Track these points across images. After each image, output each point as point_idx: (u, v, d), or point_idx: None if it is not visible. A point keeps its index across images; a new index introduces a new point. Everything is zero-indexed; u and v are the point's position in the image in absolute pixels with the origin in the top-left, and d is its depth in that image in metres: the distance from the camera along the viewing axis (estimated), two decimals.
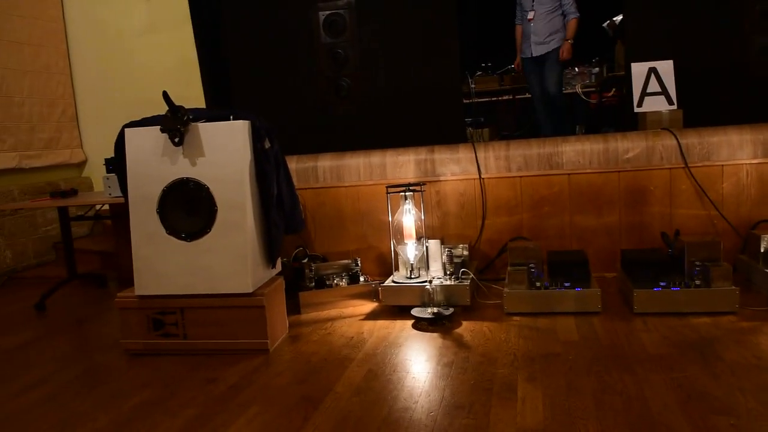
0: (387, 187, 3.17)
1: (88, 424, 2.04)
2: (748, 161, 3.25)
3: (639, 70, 3.67)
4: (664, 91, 3.61)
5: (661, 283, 2.73)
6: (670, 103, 3.59)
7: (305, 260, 3.38)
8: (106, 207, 4.32)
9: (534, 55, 5.02)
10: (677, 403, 1.86)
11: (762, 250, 2.97)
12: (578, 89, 5.69)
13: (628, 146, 3.35)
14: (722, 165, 3.28)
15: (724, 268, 2.68)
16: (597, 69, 5.71)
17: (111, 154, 3.82)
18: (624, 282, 2.95)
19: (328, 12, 4.18)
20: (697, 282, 2.70)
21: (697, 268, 2.73)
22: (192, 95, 4.78)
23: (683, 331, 2.47)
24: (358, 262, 3.33)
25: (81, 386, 2.40)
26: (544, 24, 4.94)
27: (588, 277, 2.89)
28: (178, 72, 5.11)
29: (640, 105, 3.65)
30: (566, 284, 2.83)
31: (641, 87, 3.67)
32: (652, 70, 3.65)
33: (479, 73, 5.89)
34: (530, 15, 4.95)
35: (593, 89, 5.68)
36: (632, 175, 3.35)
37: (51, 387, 2.42)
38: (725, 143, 3.26)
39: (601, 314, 2.76)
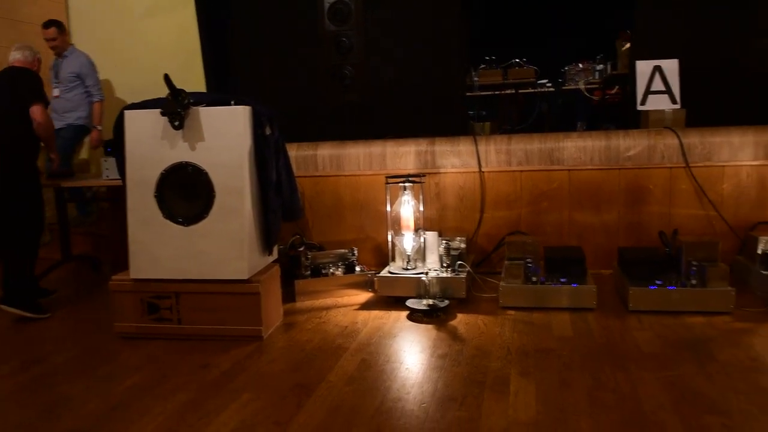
0: (386, 178, 3.16)
1: (77, 408, 2.04)
2: (749, 163, 3.24)
3: (644, 68, 3.65)
4: (668, 90, 3.59)
5: (657, 282, 2.74)
6: (674, 102, 3.57)
7: (302, 248, 3.37)
8: (104, 189, 4.30)
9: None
10: (670, 402, 1.86)
11: (759, 252, 2.96)
12: (581, 86, 5.67)
13: (629, 144, 3.33)
14: (723, 166, 3.27)
15: (721, 268, 2.68)
16: (601, 66, 5.68)
17: (110, 135, 3.82)
18: (620, 280, 2.95)
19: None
20: (693, 282, 2.70)
21: (693, 268, 2.73)
22: (193, 79, 4.75)
23: (678, 331, 2.47)
24: (355, 252, 3.32)
25: (73, 368, 2.40)
26: (62, 103, 4.90)
27: (584, 274, 2.89)
28: (179, 55, 5.05)
29: (643, 103, 3.64)
30: (562, 280, 2.83)
31: (645, 85, 3.65)
32: (657, 69, 3.63)
33: (483, 66, 5.85)
34: (55, 92, 4.91)
35: (596, 86, 5.65)
36: (633, 173, 3.34)
37: (43, 368, 2.41)
38: (727, 144, 3.25)
39: (596, 311, 2.75)
